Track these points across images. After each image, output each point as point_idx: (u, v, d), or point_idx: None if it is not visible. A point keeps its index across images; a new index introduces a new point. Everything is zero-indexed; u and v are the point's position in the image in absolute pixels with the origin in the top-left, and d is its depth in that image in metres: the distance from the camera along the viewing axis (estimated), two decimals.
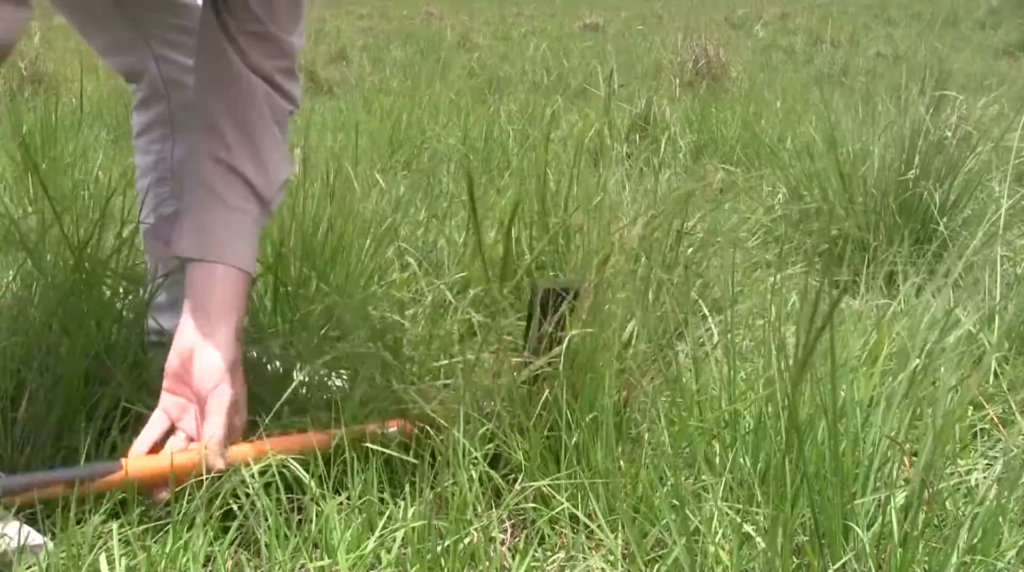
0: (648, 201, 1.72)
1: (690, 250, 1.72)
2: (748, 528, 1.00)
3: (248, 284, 1.15)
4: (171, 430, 1.10)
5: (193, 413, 1.09)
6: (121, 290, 1.38)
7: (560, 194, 1.68)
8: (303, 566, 1.01)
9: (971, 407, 1.32)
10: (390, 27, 9.93)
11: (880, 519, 0.99)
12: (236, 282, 1.13)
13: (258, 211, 1.17)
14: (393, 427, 1.15)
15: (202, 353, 1.09)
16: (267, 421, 1.11)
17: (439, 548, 0.99)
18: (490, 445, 1.16)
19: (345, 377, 1.26)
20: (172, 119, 1.33)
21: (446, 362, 1.23)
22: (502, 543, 1.08)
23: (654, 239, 1.59)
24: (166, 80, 1.31)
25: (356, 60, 6.82)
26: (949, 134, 2.11)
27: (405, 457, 1.13)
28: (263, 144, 1.16)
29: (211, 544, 1.03)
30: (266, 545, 1.02)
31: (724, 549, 0.99)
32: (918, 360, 1.19)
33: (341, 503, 1.09)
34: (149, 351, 1.40)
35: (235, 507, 1.05)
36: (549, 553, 1.07)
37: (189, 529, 1.03)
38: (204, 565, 1.01)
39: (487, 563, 1.01)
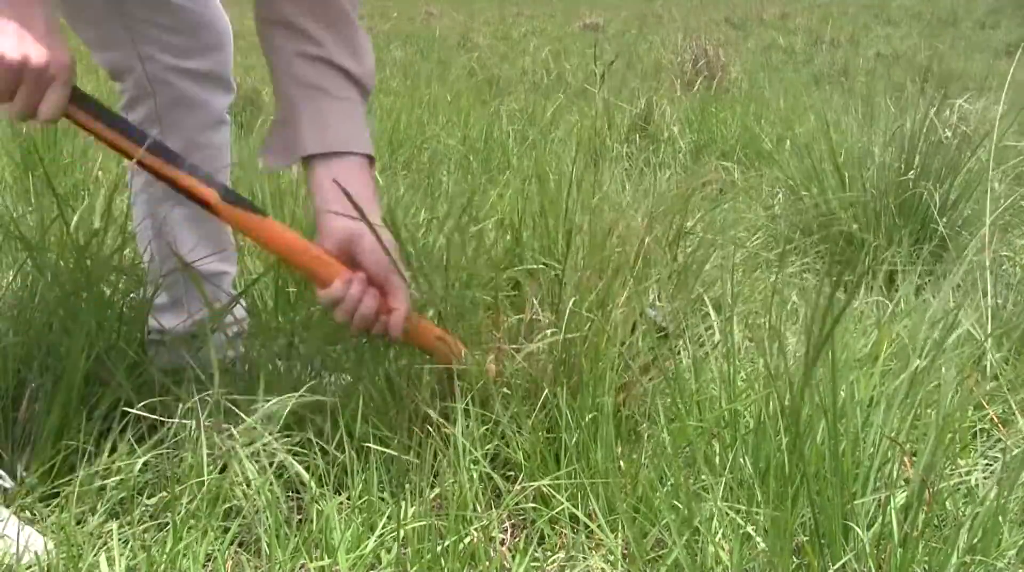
0: (648, 201, 1.72)
1: (690, 249, 1.72)
2: (748, 528, 1.00)
3: (374, 168, 1.18)
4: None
5: (370, 293, 1.12)
6: (121, 289, 1.38)
7: (560, 193, 1.68)
8: (303, 566, 1.01)
9: (971, 407, 1.32)
10: (390, 27, 9.93)
11: (880, 519, 0.99)
12: (368, 168, 1.16)
13: (360, 98, 1.19)
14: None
15: (367, 237, 1.12)
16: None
17: (439, 548, 0.99)
18: (490, 445, 1.16)
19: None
20: (160, 118, 1.34)
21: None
22: (502, 543, 1.08)
23: (654, 238, 1.59)
24: (152, 79, 1.31)
25: None
26: (949, 134, 2.11)
27: (405, 457, 1.13)
28: (350, 32, 1.18)
29: (211, 544, 1.03)
30: (266, 545, 1.03)
31: (724, 549, 0.99)
32: (918, 360, 1.19)
33: (341, 503, 1.09)
34: (150, 349, 1.40)
35: (236, 503, 1.05)
36: (549, 553, 1.07)
37: (189, 529, 1.03)
38: (204, 565, 1.01)
39: (487, 563, 1.01)
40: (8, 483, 1.06)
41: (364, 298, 1.12)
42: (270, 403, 1.16)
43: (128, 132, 1.08)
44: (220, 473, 1.09)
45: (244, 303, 1.46)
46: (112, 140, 1.07)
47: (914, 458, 1.05)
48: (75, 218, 1.58)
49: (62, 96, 0.99)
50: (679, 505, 1.02)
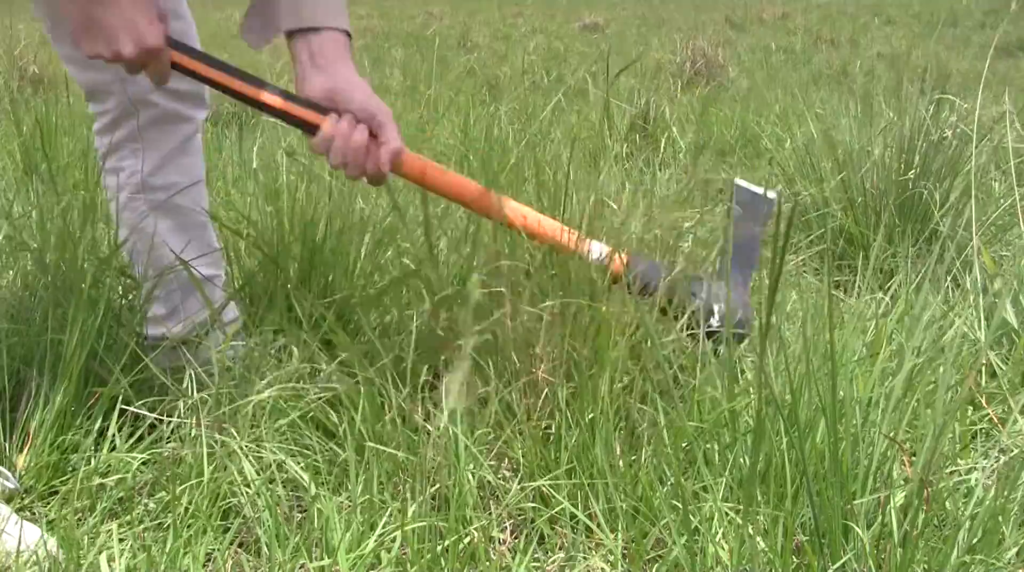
0: (648, 200, 1.71)
1: (688, 248, 1.71)
2: (748, 528, 1.00)
3: (350, 42, 1.23)
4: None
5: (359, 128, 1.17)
6: (120, 288, 1.39)
7: (559, 193, 1.67)
8: (303, 566, 1.01)
9: (971, 407, 1.32)
10: (390, 27, 9.92)
11: (880, 519, 0.99)
12: (345, 42, 1.22)
13: None
14: None
15: (347, 90, 1.18)
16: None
17: (439, 548, 0.99)
18: (490, 445, 1.16)
19: None
20: (142, 135, 1.35)
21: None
22: (502, 543, 1.08)
23: (653, 237, 1.59)
24: (133, 99, 1.32)
25: (356, 60, 6.82)
26: (949, 134, 2.11)
27: (405, 457, 1.13)
28: None
29: (211, 544, 1.03)
30: (266, 545, 1.02)
31: (724, 549, 0.99)
32: (917, 360, 1.19)
33: (341, 503, 1.09)
34: (148, 351, 1.40)
35: (236, 503, 1.05)
36: (549, 553, 1.07)
37: (189, 529, 1.03)
38: (204, 565, 1.01)
39: (487, 563, 1.02)
40: (12, 484, 1.06)
41: (354, 133, 1.16)
42: (270, 403, 1.16)
43: (226, 68, 1.21)
44: (220, 472, 1.09)
45: (236, 305, 1.47)
46: (214, 78, 1.19)
47: (913, 458, 1.05)
48: (75, 217, 1.58)
49: (160, 68, 1.14)
50: (679, 505, 1.02)
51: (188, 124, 1.39)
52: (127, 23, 1.08)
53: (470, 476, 1.09)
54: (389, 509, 1.07)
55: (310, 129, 1.20)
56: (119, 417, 1.20)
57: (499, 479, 1.13)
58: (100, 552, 1.00)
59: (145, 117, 1.33)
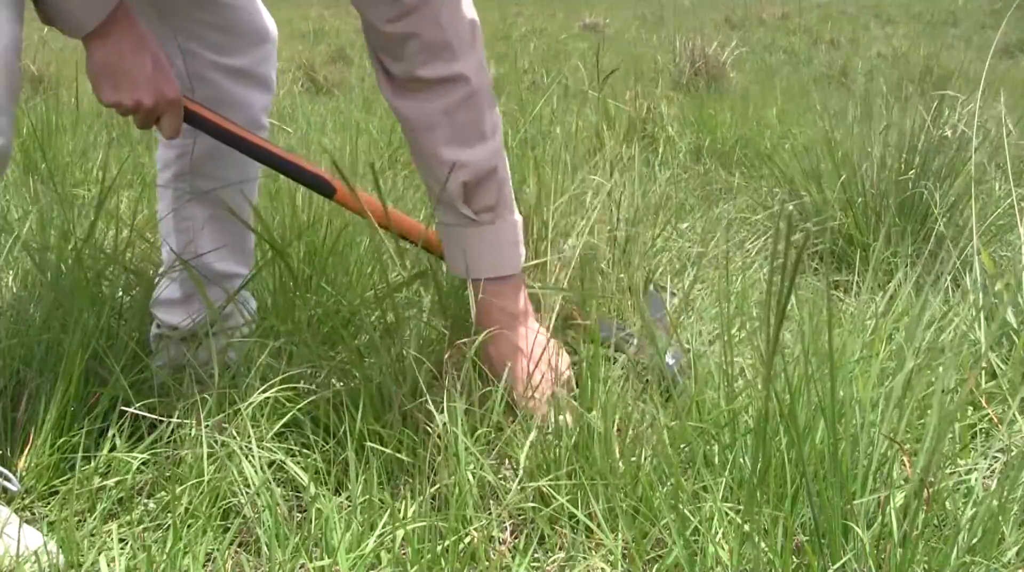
0: (646, 201, 1.72)
1: (688, 247, 1.72)
2: (748, 528, 1.00)
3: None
4: None
5: None
6: (121, 287, 1.39)
7: (556, 193, 1.67)
8: (303, 566, 1.01)
9: (971, 407, 1.32)
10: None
11: (880, 519, 0.99)
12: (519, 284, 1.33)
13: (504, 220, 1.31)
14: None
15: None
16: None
17: (439, 548, 0.99)
18: (490, 445, 1.16)
19: None
20: None
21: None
22: (502, 543, 1.08)
23: (652, 237, 1.60)
24: (191, 74, 1.30)
25: (356, 60, 6.81)
26: (949, 134, 2.11)
27: (405, 457, 1.13)
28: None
29: (211, 544, 1.03)
30: (266, 545, 1.02)
31: (724, 549, 0.99)
32: (917, 360, 1.19)
33: (341, 503, 1.09)
34: (153, 344, 1.40)
35: (236, 502, 1.05)
36: (549, 553, 1.06)
37: (189, 529, 1.03)
38: (204, 565, 1.01)
39: (487, 563, 1.01)
40: (15, 486, 1.06)
41: None
42: (270, 403, 1.16)
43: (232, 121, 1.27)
44: (220, 473, 1.09)
45: (252, 304, 1.46)
46: (226, 128, 1.25)
47: (913, 458, 1.04)
48: (74, 217, 1.58)
49: (174, 121, 1.19)
50: (679, 505, 1.02)
51: (249, 108, 1.35)
52: (148, 74, 1.12)
53: (470, 476, 1.09)
54: (389, 509, 1.07)
55: (321, 186, 1.26)
56: (119, 417, 1.20)
57: (499, 479, 1.13)
58: (100, 552, 1.00)
59: (201, 96, 1.29)
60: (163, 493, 1.11)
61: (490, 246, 1.29)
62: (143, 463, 1.16)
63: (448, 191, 1.26)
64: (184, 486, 1.07)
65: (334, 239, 1.61)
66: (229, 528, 1.06)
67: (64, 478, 1.15)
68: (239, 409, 1.15)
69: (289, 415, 1.18)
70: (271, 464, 1.13)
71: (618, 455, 1.12)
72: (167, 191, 1.38)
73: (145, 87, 1.12)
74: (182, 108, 1.19)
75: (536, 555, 1.06)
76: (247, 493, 1.07)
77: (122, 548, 1.01)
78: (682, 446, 1.16)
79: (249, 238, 1.44)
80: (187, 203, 1.37)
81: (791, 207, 2.28)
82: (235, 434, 1.13)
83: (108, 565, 0.97)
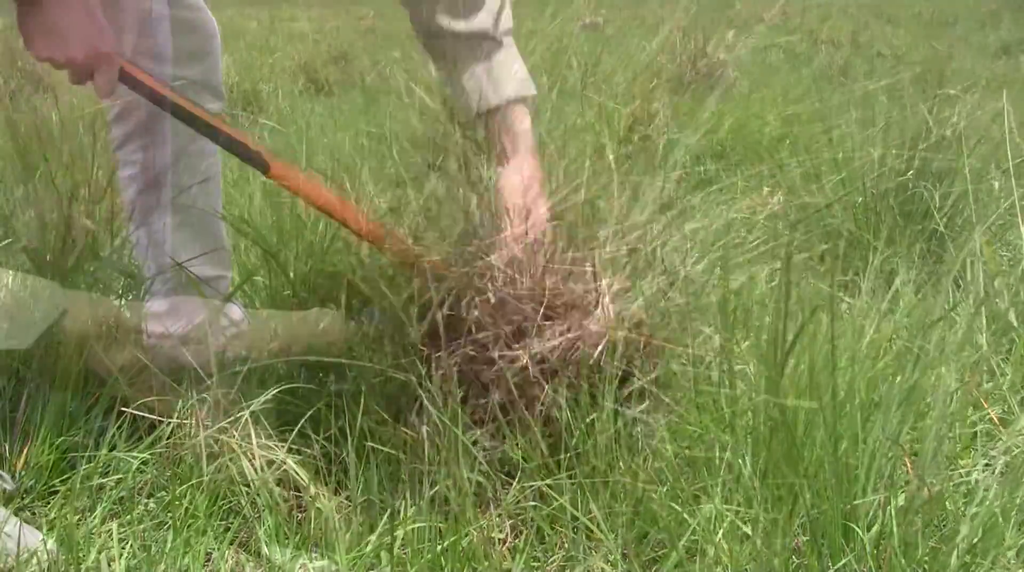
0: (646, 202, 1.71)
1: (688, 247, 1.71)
2: (747, 529, 1.00)
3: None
4: None
5: None
6: (120, 288, 1.39)
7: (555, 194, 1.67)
8: (303, 566, 1.01)
9: (971, 407, 1.32)
10: (390, 28, 9.92)
11: (880, 520, 0.98)
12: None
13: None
14: None
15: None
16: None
17: (439, 548, 0.99)
18: (491, 445, 1.16)
19: None
20: (152, 127, 1.34)
21: None
22: (502, 543, 1.08)
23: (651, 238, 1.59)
24: None
25: (356, 60, 6.81)
26: (949, 134, 2.11)
27: (405, 457, 1.13)
28: None
29: (211, 544, 1.03)
30: (266, 545, 1.02)
31: (724, 549, 0.98)
32: (917, 360, 1.19)
33: (341, 503, 1.09)
34: (149, 351, 1.40)
35: (236, 502, 1.05)
36: (549, 553, 1.06)
37: (189, 528, 1.03)
38: (204, 565, 1.01)
39: (487, 563, 1.01)
40: (9, 485, 1.06)
41: None
42: (269, 402, 1.16)
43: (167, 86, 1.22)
44: (219, 473, 1.09)
45: (240, 305, 1.47)
46: (163, 94, 1.19)
47: (914, 458, 1.04)
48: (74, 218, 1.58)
49: (109, 77, 1.13)
50: (677, 507, 1.02)
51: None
52: (80, 27, 1.08)
53: (470, 476, 1.09)
54: (389, 509, 1.07)
55: (254, 159, 1.22)
56: (119, 417, 1.20)
57: (499, 479, 1.13)
58: (100, 551, 1.00)
59: (155, 109, 1.29)
60: (163, 493, 1.11)
61: (517, 62, 1.37)
62: (143, 463, 1.16)
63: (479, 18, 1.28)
64: (184, 486, 1.07)
65: (332, 238, 1.60)
66: (229, 528, 1.06)
67: (64, 477, 1.15)
68: (239, 409, 1.15)
69: (289, 415, 1.18)
70: (271, 464, 1.13)
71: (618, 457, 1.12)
72: (135, 206, 1.39)
73: (76, 41, 1.08)
74: (118, 66, 1.14)
75: (536, 555, 1.06)
76: (247, 493, 1.07)
77: (122, 547, 1.01)
78: (681, 446, 1.16)
79: (223, 238, 1.45)
80: (156, 216, 1.37)
81: (791, 207, 2.28)
82: (235, 434, 1.13)
83: (108, 564, 0.97)
